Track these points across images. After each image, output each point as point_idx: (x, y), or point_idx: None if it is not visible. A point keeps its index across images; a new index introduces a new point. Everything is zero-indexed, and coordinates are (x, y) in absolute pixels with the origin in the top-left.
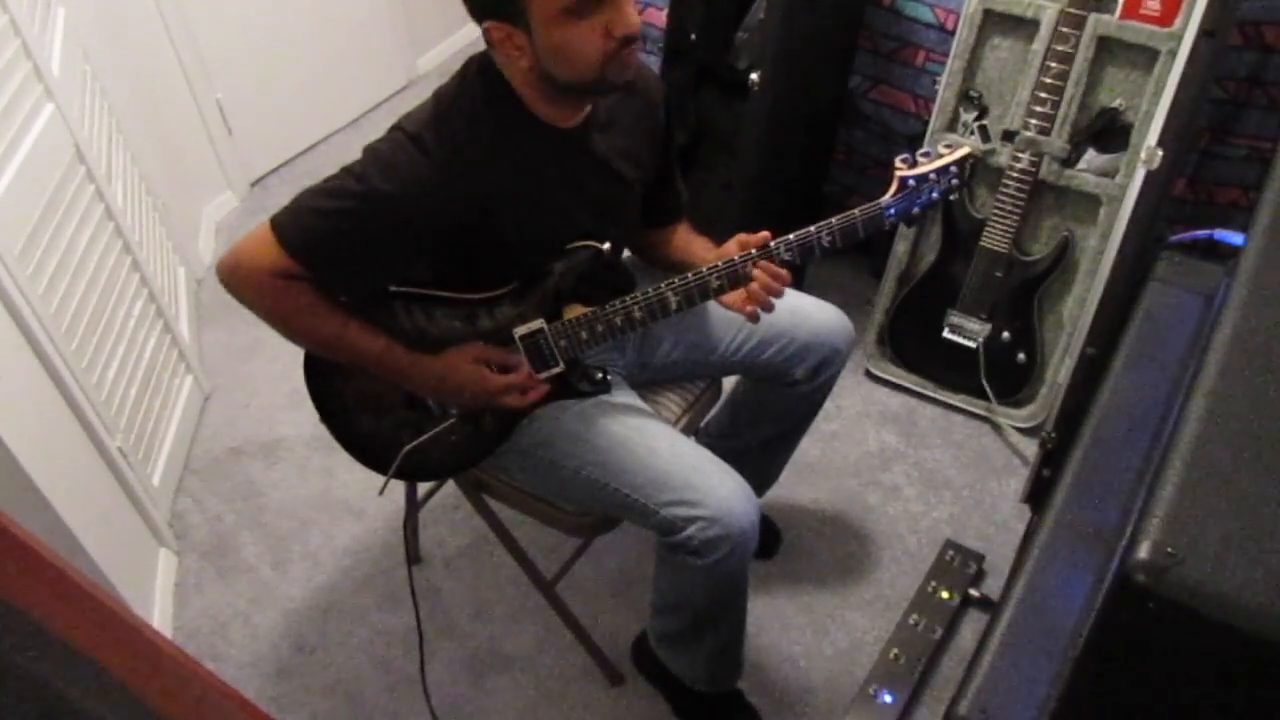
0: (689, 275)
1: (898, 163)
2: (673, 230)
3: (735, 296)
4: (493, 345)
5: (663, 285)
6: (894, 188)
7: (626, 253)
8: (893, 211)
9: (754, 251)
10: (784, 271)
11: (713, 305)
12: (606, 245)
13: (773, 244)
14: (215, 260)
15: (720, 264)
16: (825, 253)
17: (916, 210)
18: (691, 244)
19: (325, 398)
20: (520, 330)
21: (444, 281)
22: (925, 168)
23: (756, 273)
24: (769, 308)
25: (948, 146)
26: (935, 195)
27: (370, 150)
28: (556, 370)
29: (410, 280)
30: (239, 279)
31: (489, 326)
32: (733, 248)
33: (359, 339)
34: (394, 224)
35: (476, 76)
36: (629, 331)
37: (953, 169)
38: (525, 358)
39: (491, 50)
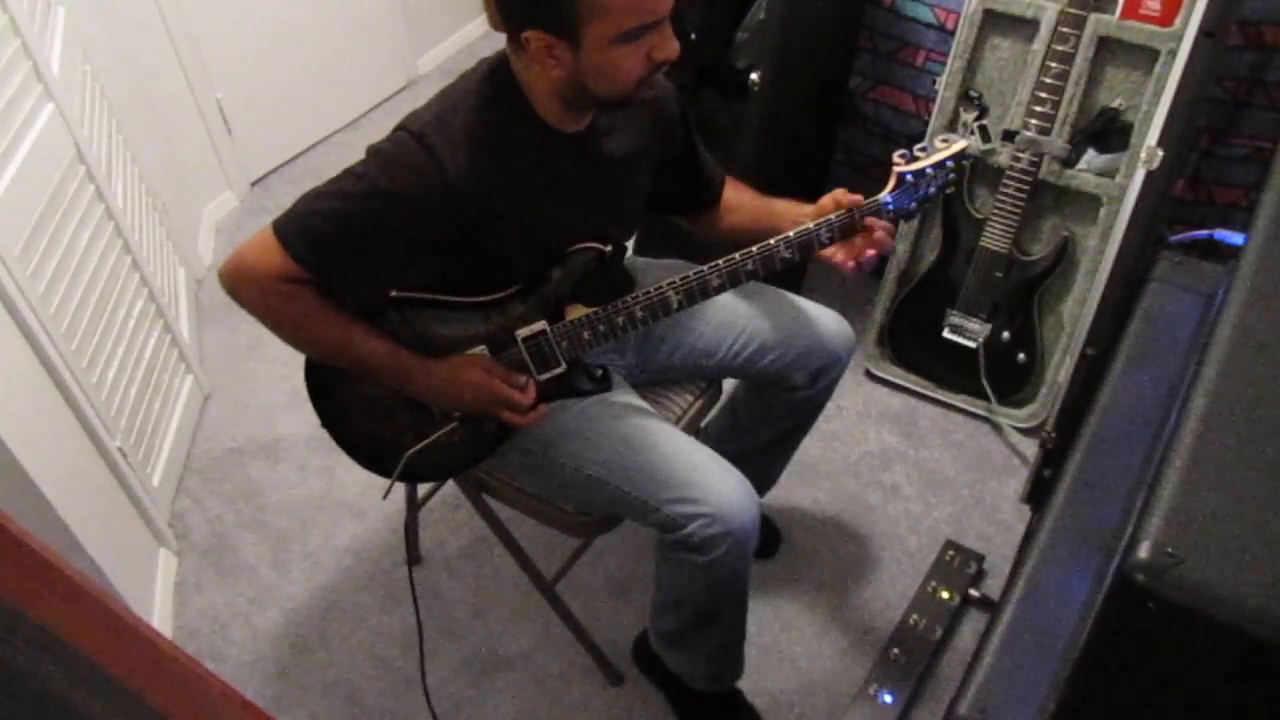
0: (689, 274)
1: (895, 158)
2: (720, 207)
3: (834, 250)
4: (499, 361)
5: (664, 284)
6: (892, 183)
7: (629, 253)
8: (892, 206)
9: (829, 219)
10: (888, 225)
11: (714, 310)
12: (608, 247)
13: (772, 241)
14: (215, 260)
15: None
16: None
17: (914, 205)
18: (771, 208)
19: (326, 403)
20: (523, 332)
21: (446, 284)
22: (922, 163)
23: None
24: (866, 264)
25: (944, 141)
26: (932, 190)
27: (374, 151)
28: (558, 371)
29: (412, 283)
30: (242, 285)
31: (491, 328)
32: (828, 204)
33: (364, 344)
34: (398, 226)
35: (485, 79)
36: (631, 331)
37: (949, 163)
38: (529, 363)
39: (516, 55)
